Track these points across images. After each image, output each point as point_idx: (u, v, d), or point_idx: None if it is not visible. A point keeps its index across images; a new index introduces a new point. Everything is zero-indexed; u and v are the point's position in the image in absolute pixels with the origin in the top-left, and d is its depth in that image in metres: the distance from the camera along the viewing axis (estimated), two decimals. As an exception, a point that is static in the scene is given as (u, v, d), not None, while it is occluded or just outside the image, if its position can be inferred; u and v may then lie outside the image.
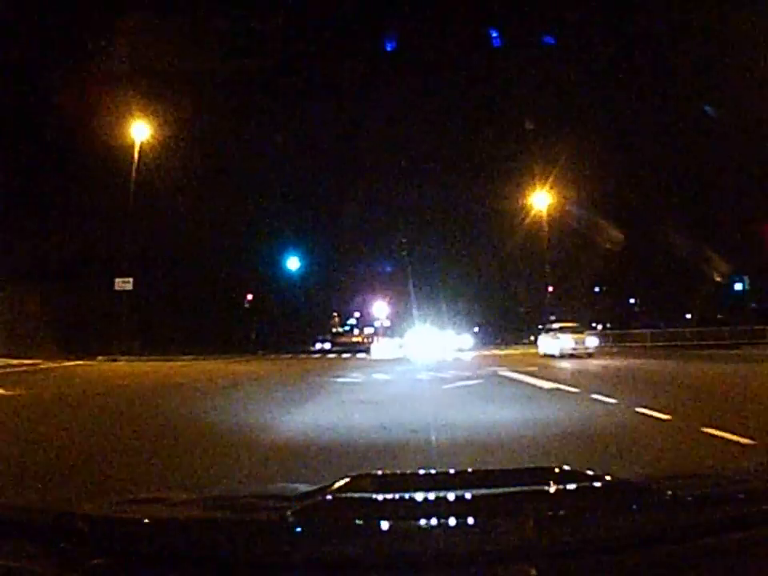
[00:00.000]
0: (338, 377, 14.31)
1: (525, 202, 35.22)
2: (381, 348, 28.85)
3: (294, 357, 28.85)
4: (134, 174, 27.36)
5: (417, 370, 16.46)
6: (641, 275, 42.12)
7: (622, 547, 1.17)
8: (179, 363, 21.66)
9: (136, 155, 27.68)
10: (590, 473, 1.89)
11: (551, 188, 33.62)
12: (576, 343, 22.44)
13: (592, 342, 23.17)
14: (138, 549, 1.18)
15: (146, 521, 1.35)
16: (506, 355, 27.29)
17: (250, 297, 33.27)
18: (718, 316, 37.05)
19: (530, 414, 7.48)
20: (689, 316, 39.39)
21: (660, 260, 37.41)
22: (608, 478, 1.84)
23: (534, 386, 11.40)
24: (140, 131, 28.17)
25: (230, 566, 1.11)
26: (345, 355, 29.85)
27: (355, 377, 14.39)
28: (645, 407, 7.55)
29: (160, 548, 1.17)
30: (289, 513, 1.32)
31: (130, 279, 25.46)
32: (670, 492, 1.54)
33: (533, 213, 35.28)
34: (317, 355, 29.83)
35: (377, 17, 43.92)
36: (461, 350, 30.91)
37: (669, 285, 39.97)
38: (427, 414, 7.27)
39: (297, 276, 39.72)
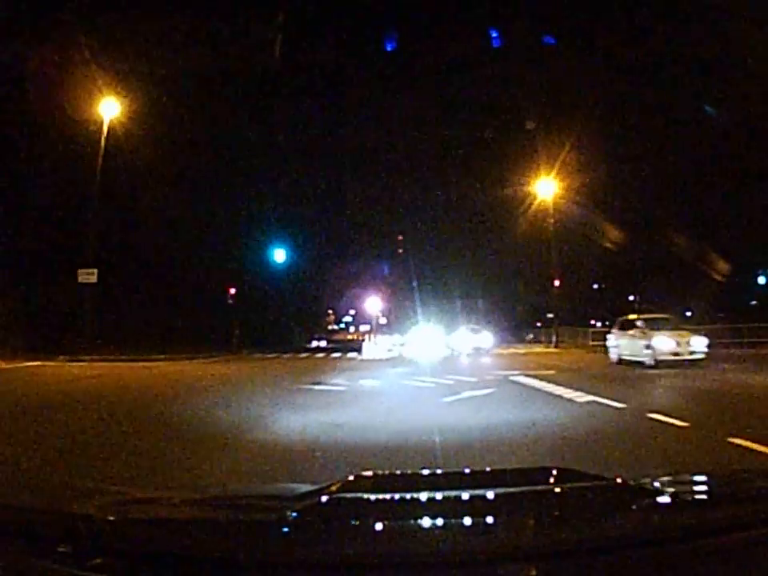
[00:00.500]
0: (318, 383, 11.85)
1: (525, 196, 33.80)
2: (373, 347, 26.12)
3: (279, 357, 26.37)
4: (101, 155, 24.78)
5: (412, 374, 14.01)
6: (641, 271, 41.20)
7: (622, 547, 1.15)
8: (144, 365, 19.17)
9: (104, 134, 25.10)
10: (589, 473, 1.85)
11: (553, 179, 31.98)
12: (678, 345, 14.78)
13: (700, 343, 15.08)
14: (138, 549, 1.17)
15: (146, 521, 1.37)
16: (510, 355, 24.93)
17: (233, 291, 30.46)
18: (719, 315, 34.21)
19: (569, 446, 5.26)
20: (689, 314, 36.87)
21: (662, 255, 36.59)
22: (608, 478, 1.79)
23: (560, 397, 8.98)
24: (109, 108, 25.59)
25: (230, 565, 1.10)
26: (334, 354, 27.24)
27: (337, 383, 11.91)
28: (737, 436, 5.30)
29: (160, 548, 1.16)
30: (289, 513, 1.33)
31: (95, 270, 22.86)
32: (670, 492, 1.54)
33: (534, 207, 33.68)
34: (304, 354, 27.19)
35: (377, 17, 43.93)
36: (478, 350, 27.39)
37: (671, 280, 38.23)
38: (422, 447, 4.86)
39: (286, 270, 37.24)
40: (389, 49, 27.32)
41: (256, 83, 33.30)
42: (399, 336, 37.07)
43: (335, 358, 24.87)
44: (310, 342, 45.63)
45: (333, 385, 11.44)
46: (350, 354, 26.22)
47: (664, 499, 1.49)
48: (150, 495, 1.97)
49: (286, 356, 26.77)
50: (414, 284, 41.33)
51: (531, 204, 33.35)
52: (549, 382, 11.01)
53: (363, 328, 68.12)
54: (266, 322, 36.61)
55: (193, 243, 29.42)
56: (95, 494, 1.90)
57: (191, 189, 28.58)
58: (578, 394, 9.01)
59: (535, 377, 12.09)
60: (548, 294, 36.21)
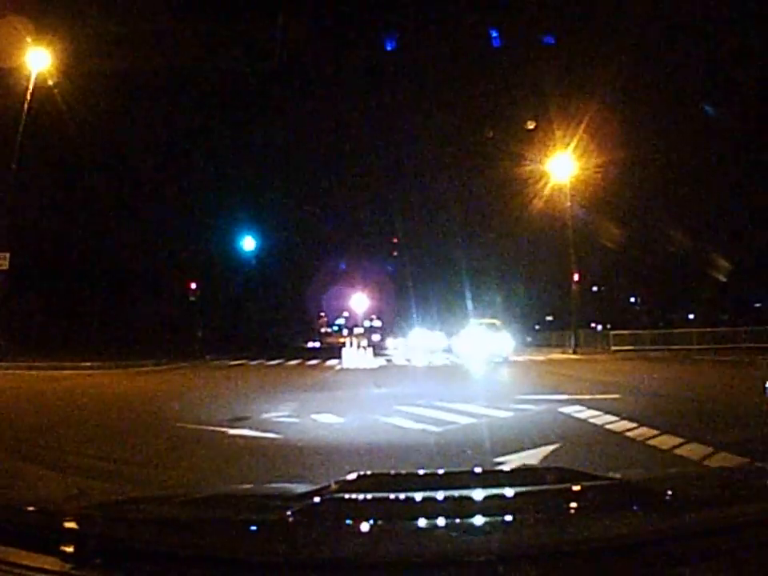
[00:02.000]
0: (244, 420, 7.12)
1: (529, 191, 31.49)
2: (356, 354, 21.30)
3: (244, 364, 21.71)
4: (24, 116, 20.01)
5: (403, 399, 9.23)
6: (642, 273, 39.98)
7: (622, 547, 1.13)
8: (54, 374, 14.49)
9: (30, 90, 20.31)
10: (589, 473, 1.82)
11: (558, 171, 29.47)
12: None
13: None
14: (138, 549, 1.15)
15: (146, 521, 1.36)
16: (529, 363, 20.26)
17: (194, 286, 25.67)
18: (724, 317, 34.67)
19: None
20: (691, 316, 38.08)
21: (663, 257, 35.25)
22: (608, 477, 1.76)
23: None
24: (38, 60, 20.83)
25: (230, 565, 1.08)
26: (311, 362, 22.49)
27: (276, 421, 7.09)
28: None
29: (159, 548, 1.15)
30: (289, 513, 1.31)
31: (7, 255, 18.18)
32: (670, 492, 1.52)
33: (538, 204, 31.43)
34: (275, 362, 22.48)
35: (377, 17, 44.23)
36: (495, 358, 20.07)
37: (673, 283, 38.17)
38: None
39: (261, 267, 32.56)
40: (389, 48, 27.69)
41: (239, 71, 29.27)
42: (393, 339, 32.98)
43: (310, 367, 20.12)
44: (306, 343, 46.46)
45: (263, 427, 6.56)
46: (330, 362, 21.46)
47: (664, 499, 1.47)
48: (149, 495, 1.93)
49: (252, 363, 22.09)
50: (410, 285, 40.86)
51: (535, 196, 31.04)
52: (632, 420, 6.31)
53: (357, 330, 65.61)
54: (237, 322, 31.75)
55: (142, 228, 24.53)
56: (95, 493, 1.90)
57: (140, 164, 23.69)
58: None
59: (604, 410, 7.37)
60: (561, 293, 33.97)
